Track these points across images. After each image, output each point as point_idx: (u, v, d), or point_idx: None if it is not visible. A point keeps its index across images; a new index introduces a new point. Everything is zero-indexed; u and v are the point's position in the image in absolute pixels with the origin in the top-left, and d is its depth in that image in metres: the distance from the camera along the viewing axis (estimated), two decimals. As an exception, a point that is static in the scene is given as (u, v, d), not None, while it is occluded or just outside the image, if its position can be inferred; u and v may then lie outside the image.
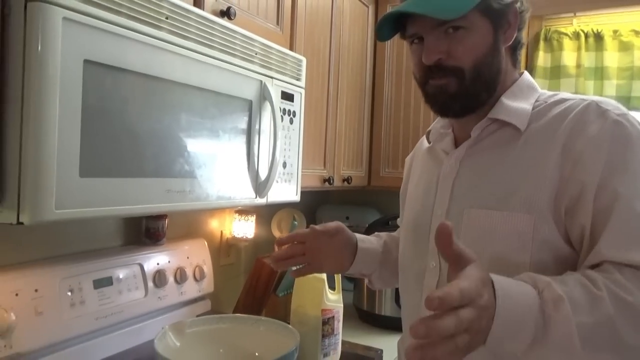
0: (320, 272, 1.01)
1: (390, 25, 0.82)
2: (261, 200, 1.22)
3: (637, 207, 0.66)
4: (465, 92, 0.79)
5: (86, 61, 0.76)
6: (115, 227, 1.34)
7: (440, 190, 0.86)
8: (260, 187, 1.20)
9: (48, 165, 0.71)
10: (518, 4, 0.80)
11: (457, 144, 0.87)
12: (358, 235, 1.06)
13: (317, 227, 0.97)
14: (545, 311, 0.59)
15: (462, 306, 0.50)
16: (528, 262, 0.72)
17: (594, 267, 0.68)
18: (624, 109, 0.74)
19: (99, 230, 1.29)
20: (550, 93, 0.83)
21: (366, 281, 1.12)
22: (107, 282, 1.20)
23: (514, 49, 0.83)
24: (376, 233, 1.13)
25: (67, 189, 0.74)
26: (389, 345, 1.47)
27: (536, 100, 0.81)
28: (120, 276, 1.24)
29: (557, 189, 0.71)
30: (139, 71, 0.85)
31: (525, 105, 0.80)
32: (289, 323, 1.20)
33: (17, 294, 1.00)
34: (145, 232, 1.37)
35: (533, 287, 0.61)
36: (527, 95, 0.82)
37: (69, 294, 1.11)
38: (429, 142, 0.96)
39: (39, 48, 0.70)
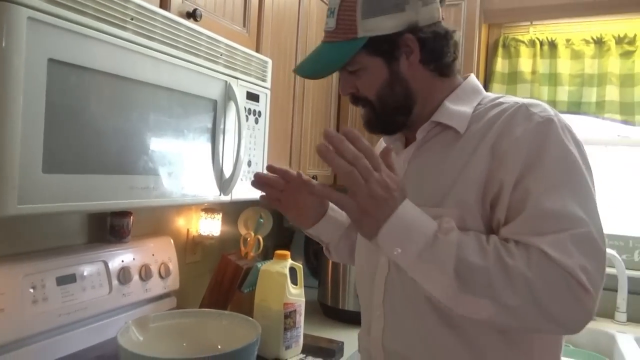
0: (285, 215, 1.03)
1: None
2: (225, 198, 1.25)
3: (544, 203, 0.71)
4: (380, 119, 0.88)
5: (50, 60, 0.78)
6: (79, 225, 1.34)
7: None
8: (224, 184, 1.23)
9: (11, 160, 0.73)
10: (407, 33, 0.83)
11: (408, 145, 0.93)
12: (332, 204, 1.09)
13: (305, 176, 0.98)
14: (437, 235, 0.70)
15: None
16: None
17: None
18: (551, 112, 0.78)
19: (62, 227, 1.29)
20: (493, 96, 0.88)
21: (324, 248, 1.15)
22: (70, 279, 1.20)
23: (435, 63, 0.86)
24: None
25: (30, 185, 0.76)
26: (350, 338, 1.52)
27: (479, 104, 0.86)
28: (84, 273, 1.24)
29: (484, 187, 0.77)
30: (104, 70, 0.87)
31: (466, 108, 0.85)
32: (253, 318, 1.23)
33: (-23, 291, 1.01)
34: (110, 229, 1.38)
35: (438, 220, 0.72)
36: (470, 98, 0.87)
37: (31, 290, 1.11)
38: (385, 143, 1.01)
39: (3, 46, 0.72)
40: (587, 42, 1.88)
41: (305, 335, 1.41)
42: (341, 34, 0.84)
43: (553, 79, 1.91)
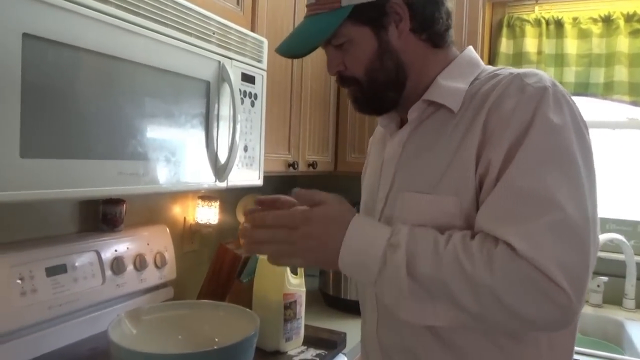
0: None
1: None
2: (221, 184, 1.20)
3: (518, 183, 0.65)
4: (369, 97, 0.82)
5: (26, 35, 0.72)
6: (70, 213, 1.29)
7: (384, 173, 0.85)
8: (219, 170, 1.18)
9: (-16, 144, 0.68)
10: None
11: (402, 126, 0.87)
12: None
13: (302, 193, 0.83)
14: (386, 256, 0.68)
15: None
16: None
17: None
18: (547, 81, 0.70)
19: (52, 216, 1.24)
20: (492, 69, 0.81)
21: None
22: (60, 269, 1.16)
23: (427, 31, 0.80)
24: None
25: (6, 170, 0.71)
26: (353, 328, 1.48)
27: (476, 78, 0.79)
28: (76, 264, 1.20)
29: (477, 168, 0.71)
30: (85, 47, 0.82)
31: (460, 84, 0.78)
32: (252, 309, 1.18)
33: (-39, 283, 0.96)
34: (102, 218, 1.33)
35: (391, 231, 0.70)
36: (465, 73, 0.80)
37: (19, 282, 1.06)
38: (379, 125, 0.95)
39: (-28, 19, 0.66)
40: (594, 20, 1.81)
41: (306, 327, 1.37)
42: (323, 4, 0.78)
43: (559, 59, 1.85)
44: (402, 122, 0.88)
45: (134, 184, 0.93)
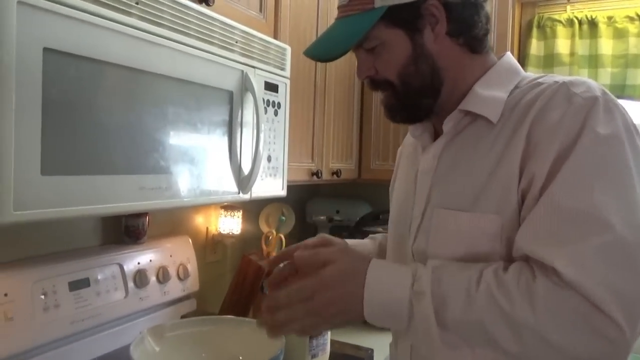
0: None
1: None
2: (245, 196, 1.17)
3: (563, 201, 0.60)
4: (402, 104, 0.77)
5: (46, 49, 0.70)
6: (92, 226, 1.28)
7: (419, 188, 0.80)
8: (243, 182, 1.15)
9: (4, 162, 0.66)
10: None
11: (437, 138, 0.81)
12: (350, 242, 1.00)
13: (302, 245, 0.83)
14: (411, 301, 0.64)
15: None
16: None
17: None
18: (596, 91, 0.66)
19: (75, 229, 1.23)
20: (533, 77, 0.75)
21: None
22: (83, 283, 1.14)
23: (465, 35, 0.75)
24: (371, 235, 1.07)
25: (27, 188, 0.69)
26: (380, 344, 1.43)
27: (516, 86, 0.74)
28: (98, 277, 1.18)
29: (520, 183, 0.66)
30: (107, 60, 0.79)
31: (499, 93, 0.73)
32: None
33: (-16, 299, 0.95)
34: (124, 230, 1.31)
35: (412, 276, 0.65)
36: (504, 81, 0.75)
37: (42, 297, 1.05)
38: (411, 135, 0.90)
39: (-9, 35, 0.64)
40: (631, 19, 1.72)
41: (332, 342, 1.33)
42: (356, 5, 0.73)
43: (594, 60, 1.77)
44: (436, 133, 0.83)
45: (157, 199, 0.91)
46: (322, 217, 2.13)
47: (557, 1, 1.85)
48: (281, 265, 0.92)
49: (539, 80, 0.73)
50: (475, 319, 0.61)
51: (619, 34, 1.74)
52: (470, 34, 0.75)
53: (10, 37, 0.65)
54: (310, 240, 0.91)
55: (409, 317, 0.64)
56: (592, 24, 1.77)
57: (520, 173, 0.66)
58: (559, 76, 0.72)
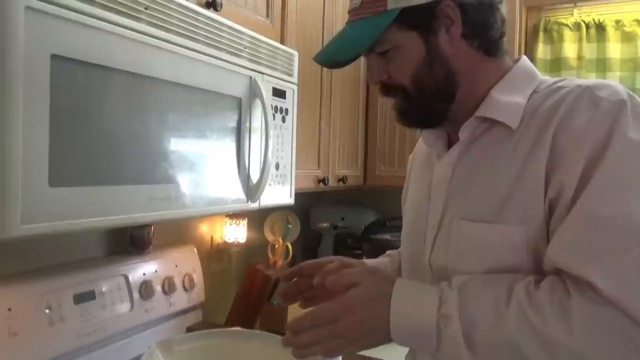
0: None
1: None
2: (253, 205, 1.14)
3: (599, 211, 0.58)
4: (416, 108, 0.75)
5: (54, 56, 0.67)
6: (96, 237, 1.25)
7: (434, 198, 0.78)
8: (251, 190, 1.12)
9: (11, 174, 0.63)
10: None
11: (452, 146, 0.79)
12: (368, 262, 0.97)
13: (331, 282, 0.74)
14: (439, 324, 0.63)
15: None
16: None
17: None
18: (622, 94, 0.64)
19: (78, 240, 1.20)
20: (552, 81, 0.73)
21: None
22: (89, 296, 1.11)
23: (480, 37, 0.72)
24: (387, 252, 1.04)
25: (35, 201, 0.66)
26: (392, 356, 1.40)
27: (534, 91, 0.72)
28: (103, 289, 1.15)
29: (547, 193, 0.64)
30: (116, 67, 0.77)
31: (518, 98, 0.70)
32: (285, 333, 1.11)
33: (-13, 314, 0.92)
34: (129, 240, 1.28)
35: (439, 298, 0.64)
36: (522, 86, 0.73)
37: (47, 311, 1.02)
38: (423, 143, 0.88)
39: (-2, 41, 0.61)
40: (639, 22, 1.71)
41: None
42: (368, 8, 0.71)
43: (602, 64, 1.76)
44: (449, 140, 0.80)
45: (167, 209, 0.88)
46: (326, 225, 2.10)
47: (563, 5, 1.83)
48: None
49: (559, 84, 0.70)
50: (506, 339, 0.59)
51: (628, 38, 1.72)
52: (486, 36, 0.72)
53: (18, 43, 0.63)
54: (330, 268, 0.83)
55: (438, 341, 0.63)
56: (600, 27, 1.76)
57: (546, 182, 0.64)
58: (580, 79, 0.70)
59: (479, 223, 0.69)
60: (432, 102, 0.74)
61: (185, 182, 0.92)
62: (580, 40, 1.78)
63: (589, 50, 1.77)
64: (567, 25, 1.80)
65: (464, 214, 0.72)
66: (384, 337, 0.66)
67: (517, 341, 0.58)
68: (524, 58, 0.78)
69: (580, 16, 1.80)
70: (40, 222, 0.67)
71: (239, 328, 1.19)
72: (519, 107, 0.70)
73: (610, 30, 1.74)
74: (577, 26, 1.79)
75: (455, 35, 0.71)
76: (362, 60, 1.77)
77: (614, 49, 1.73)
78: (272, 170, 1.20)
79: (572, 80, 0.70)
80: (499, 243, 0.67)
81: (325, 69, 1.59)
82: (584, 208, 0.59)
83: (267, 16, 1.30)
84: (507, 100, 0.71)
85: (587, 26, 1.77)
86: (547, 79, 0.75)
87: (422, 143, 0.90)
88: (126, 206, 0.80)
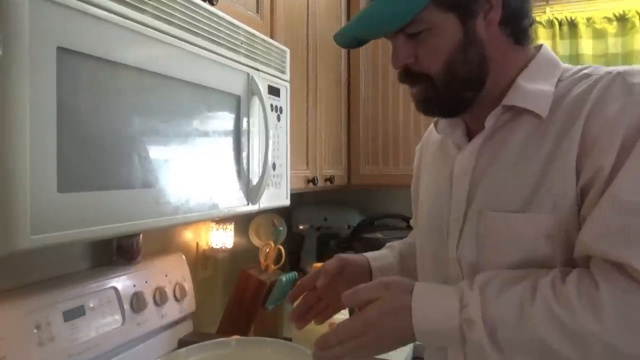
0: (343, 308, 0.93)
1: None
2: (253, 207, 1.09)
3: (630, 195, 0.59)
4: (441, 98, 0.73)
5: (60, 49, 0.61)
6: (81, 248, 1.16)
7: (455, 190, 0.76)
8: (252, 192, 1.07)
9: (19, 179, 0.56)
10: None
11: (470, 135, 0.78)
12: (369, 255, 0.96)
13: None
14: (462, 329, 0.63)
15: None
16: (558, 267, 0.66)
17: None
18: None
19: (64, 252, 1.11)
20: (576, 68, 0.73)
21: None
22: (79, 312, 1.03)
23: (513, 25, 0.72)
24: (388, 244, 1.03)
25: (45, 209, 0.59)
26: (392, 356, 1.38)
27: (559, 79, 0.71)
28: (92, 304, 1.07)
29: (579, 181, 0.64)
30: (120, 61, 0.71)
31: (545, 86, 0.70)
32: (280, 337, 1.07)
33: (-28, 338, 0.83)
34: (117, 250, 1.20)
35: (459, 301, 0.64)
36: (547, 74, 0.72)
37: (35, 331, 0.93)
38: (438, 132, 0.86)
39: (2, 34, 0.55)
40: (609, 20, 1.78)
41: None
42: None
43: (574, 60, 1.82)
44: (468, 129, 0.79)
45: (173, 214, 0.82)
46: (309, 226, 2.07)
47: (536, 3, 1.88)
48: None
49: (585, 71, 0.70)
50: (532, 336, 0.59)
51: (599, 34, 1.79)
52: (519, 24, 0.72)
53: (24, 34, 0.56)
54: (330, 266, 0.88)
55: (462, 343, 0.64)
56: (572, 24, 1.81)
57: (577, 169, 0.64)
58: (609, 67, 0.70)
59: (508, 213, 0.68)
60: (462, 90, 0.72)
61: (191, 186, 0.87)
62: (553, 37, 1.84)
63: (562, 47, 1.83)
64: (540, 22, 1.85)
65: (490, 204, 0.71)
66: (409, 341, 0.68)
67: (544, 337, 0.58)
68: (545, 46, 0.78)
69: (553, 14, 1.86)
70: (51, 232, 0.60)
71: (248, 337, 1.13)
72: (548, 95, 0.69)
73: (582, 27, 1.80)
74: (550, 23, 1.84)
75: (494, 21, 0.70)
76: (343, 59, 1.74)
77: (586, 46, 1.80)
78: (270, 171, 1.16)
79: (600, 67, 0.70)
80: (531, 232, 0.66)
81: (310, 66, 1.56)
82: (617, 193, 0.59)
83: (257, 12, 1.25)
84: (535, 88, 0.70)
85: (560, 23, 1.83)
86: (570, 66, 0.75)
87: (433, 133, 0.89)
88: (135, 211, 0.74)
